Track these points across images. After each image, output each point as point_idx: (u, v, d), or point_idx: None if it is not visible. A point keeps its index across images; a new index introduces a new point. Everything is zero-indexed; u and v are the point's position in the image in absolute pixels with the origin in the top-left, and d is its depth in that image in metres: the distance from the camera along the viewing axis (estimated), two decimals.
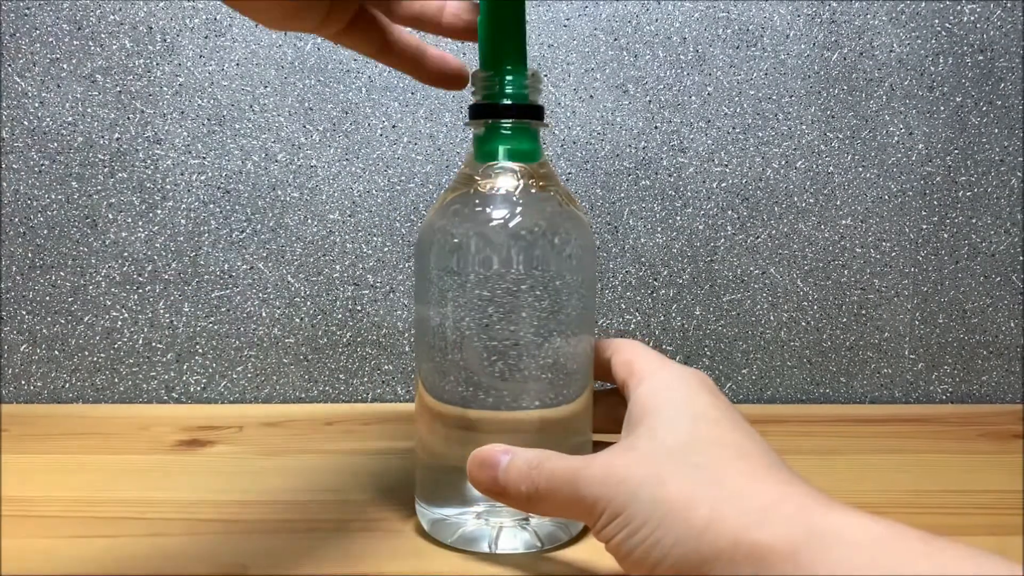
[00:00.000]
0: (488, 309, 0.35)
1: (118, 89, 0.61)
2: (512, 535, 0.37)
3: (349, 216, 0.62)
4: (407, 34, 0.39)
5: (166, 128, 0.61)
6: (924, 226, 0.64)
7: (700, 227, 0.63)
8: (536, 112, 0.37)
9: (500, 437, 0.35)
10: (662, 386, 0.34)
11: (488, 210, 0.35)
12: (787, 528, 0.26)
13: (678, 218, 0.63)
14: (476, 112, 0.37)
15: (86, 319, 0.62)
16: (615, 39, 0.62)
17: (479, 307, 0.35)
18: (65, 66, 0.60)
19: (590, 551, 0.37)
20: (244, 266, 0.62)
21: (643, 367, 0.35)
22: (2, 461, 0.49)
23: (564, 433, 0.37)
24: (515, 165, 0.36)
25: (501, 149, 0.36)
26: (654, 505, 0.28)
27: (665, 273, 0.64)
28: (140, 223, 0.62)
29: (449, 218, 0.36)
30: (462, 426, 0.36)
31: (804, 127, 0.63)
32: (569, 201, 0.37)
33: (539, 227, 0.36)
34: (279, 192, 0.62)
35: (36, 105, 0.61)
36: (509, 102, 0.36)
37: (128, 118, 0.61)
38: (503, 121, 0.36)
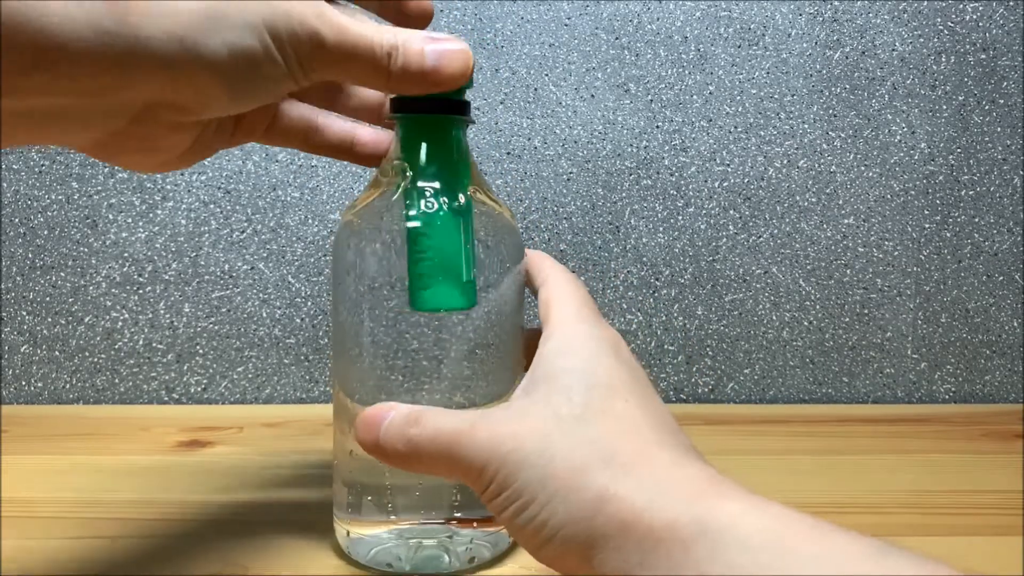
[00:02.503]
0: (383, 309, 0.34)
1: None
2: (434, 553, 0.35)
3: None
4: (337, 122, 0.37)
5: None
6: (926, 225, 0.64)
7: (702, 226, 0.63)
8: (460, 107, 0.34)
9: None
10: (567, 347, 0.31)
11: (388, 205, 0.34)
12: (679, 515, 0.25)
13: (680, 218, 0.63)
14: (394, 106, 0.34)
15: (86, 320, 0.62)
16: (616, 38, 0.62)
17: (378, 304, 0.34)
18: None
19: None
20: (245, 266, 0.62)
21: (557, 317, 0.33)
22: (2, 462, 0.48)
23: None
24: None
25: (421, 144, 0.34)
26: (543, 482, 0.27)
27: (667, 273, 0.64)
28: (140, 223, 0.62)
29: (355, 213, 0.35)
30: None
31: (806, 126, 0.63)
32: (488, 197, 0.35)
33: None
34: (279, 192, 0.62)
35: None
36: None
37: None
38: (421, 115, 0.34)
